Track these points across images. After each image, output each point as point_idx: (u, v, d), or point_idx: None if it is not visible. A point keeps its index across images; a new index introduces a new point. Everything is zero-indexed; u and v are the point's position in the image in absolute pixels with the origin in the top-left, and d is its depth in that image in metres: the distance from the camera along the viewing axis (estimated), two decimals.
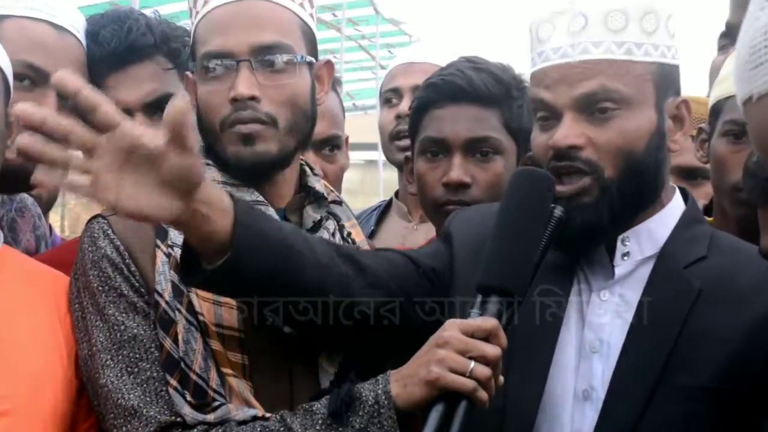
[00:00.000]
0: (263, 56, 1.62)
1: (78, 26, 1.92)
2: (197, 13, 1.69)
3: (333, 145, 2.20)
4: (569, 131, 1.50)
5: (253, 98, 1.60)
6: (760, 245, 1.45)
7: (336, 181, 2.25)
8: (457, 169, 1.96)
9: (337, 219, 1.76)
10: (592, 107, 1.51)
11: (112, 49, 1.89)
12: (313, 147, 2.08)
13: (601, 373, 1.53)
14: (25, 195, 2.17)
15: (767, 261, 1.52)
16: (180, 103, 1.25)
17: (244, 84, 1.60)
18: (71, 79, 1.18)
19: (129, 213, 1.27)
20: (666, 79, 1.57)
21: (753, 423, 1.46)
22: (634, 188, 1.53)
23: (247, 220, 1.38)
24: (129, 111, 1.85)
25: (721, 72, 2.00)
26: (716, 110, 2.02)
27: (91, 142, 1.20)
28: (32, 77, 1.80)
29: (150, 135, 1.24)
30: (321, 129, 2.05)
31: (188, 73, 1.76)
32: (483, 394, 1.37)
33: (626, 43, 1.52)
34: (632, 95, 1.52)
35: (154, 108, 1.87)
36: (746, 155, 1.84)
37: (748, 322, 1.48)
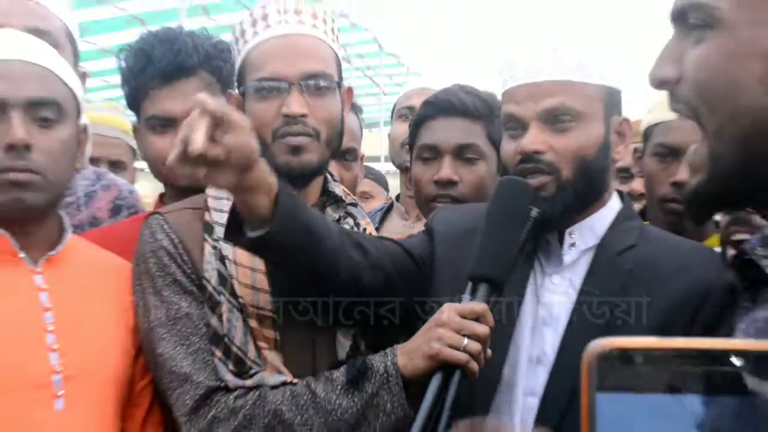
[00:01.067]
0: (310, 81, 1.72)
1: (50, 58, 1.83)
2: (246, 42, 1.76)
3: (350, 156, 2.32)
4: (534, 138, 1.62)
5: (303, 116, 1.71)
6: None
7: (351, 187, 2.36)
8: (447, 168, 2.10)
9: (354, 218, 1.86)
10: (553, 119, 1.62)
11: (163, 67, 1.97)
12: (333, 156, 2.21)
13: (551, 341, 1.63)
14: (113, 174, 2.29)
15: (686, 248, 1.67)
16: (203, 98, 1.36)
17: (296, 103, 1.69)
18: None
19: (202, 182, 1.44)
20: (612, 100, 1.68)
21: None
22: (585, 187, 1.64)
23: (285, 205, 1.49)
24: (176, 120, 1.93)
25: (651, 102, 2.13)
26: (648, 134, 2.17)
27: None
28: None
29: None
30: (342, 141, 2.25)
31: (231, 91, 1.83)
32: (474, 365, 1.49)
33: (584, 67, 1.64)
34: (586, 111, 1.63)
35: None
36: (672, 172, 2.03)
37: (670, 298, 1.58)
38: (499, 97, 2.18)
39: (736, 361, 0.62)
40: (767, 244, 1.04)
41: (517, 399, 1.63)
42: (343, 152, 2.26)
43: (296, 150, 1.71)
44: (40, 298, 1.60)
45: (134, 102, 2.06)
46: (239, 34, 1.80)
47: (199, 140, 1.34)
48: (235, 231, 1.52)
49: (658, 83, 1.03)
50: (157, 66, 1.98)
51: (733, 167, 0.95)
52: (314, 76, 1.73)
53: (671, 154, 2.05)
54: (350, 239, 1.69)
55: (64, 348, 1.57)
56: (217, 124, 1.37)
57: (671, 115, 2.04)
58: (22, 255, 1.61)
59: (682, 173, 2.00)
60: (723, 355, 0.63)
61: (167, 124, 1.99)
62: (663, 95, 2.15)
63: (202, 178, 1.42)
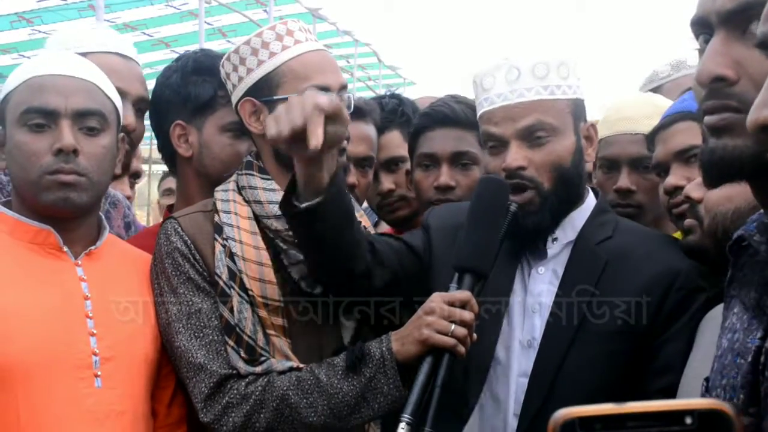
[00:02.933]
0: (344, 93, 1.84)
1: (134, 52, 2.11)
2: (273, 54, 1.81)
3: (368, 164, 2.38)
4: (516, 155, 1.72)
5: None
6: None
7: (365, 192, 2.43)
8: (445, 175, 2.18)
9: None
10: (531, 136, 1.72)
11: (202, 103, 2.05)
12: (353, 163, 2.27)
13: (539, 326, 1.73)
14: (115, 191, 2.36)
15: (656, 238, 1.78)
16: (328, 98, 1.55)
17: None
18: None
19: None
20: (578, 109, 1.78)
21: (646, 351, 1.67)
22: (566, 194, 1.75)
23: (338, 183, 1.63)
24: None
25: (601, 119, 2.22)
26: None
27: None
28: None
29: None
30: (361, 150, 2.31)
31: (248, 98, 1.84)
32: (461, 349, 1.57)
33: (550, 86, 1.74)
34: (558, 125, 1.74)
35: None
36: (615, 180, 2.05)
37: (641, 283, 1.69)
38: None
39: (688, 420, 0.65)
40: (763, 231, 1.07)
41: (511, 380, 1.73)
42: (362, 159, 2.33)
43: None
44: (81, 287, 1.71)
45: (164, 108, 2.13)
46: (258, 45, 1.83)
47: (319, 137, 1.52)
48: (287, 204, 1.64)
49: (714, 79, 1.01)
50: (195, 103, 2.07)
51: None
52: (345, 87, 1.85)
53: (612, 165, 2.18)
54: (363, 236, 1.77)
55: (101, 333, 1.68)
56: (329, 117, 1.54)
57: (609, 131, 2.14)
58: (65, 249, 1.73)
59: (622, 180, 2.11)
60: (676, 415, 0.65)
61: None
62: (606, 114, 2.28)
63: (290, 150, 1.61)
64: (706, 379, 1.16)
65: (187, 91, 2.07)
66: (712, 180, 1.06)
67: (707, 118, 1.03)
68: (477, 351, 1.68)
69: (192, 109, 2.07)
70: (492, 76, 1.78)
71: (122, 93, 1.98)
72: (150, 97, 2.13)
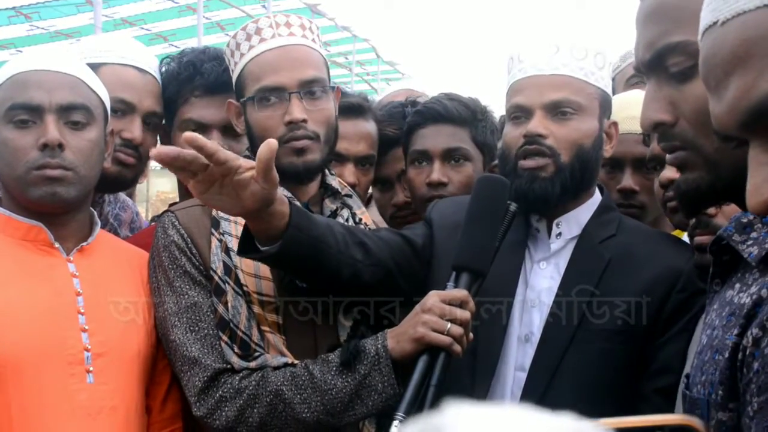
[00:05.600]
0: (307, 88, 1.79)
1: (154, 67, 2.12)
2: (242, 55, 1.83)
3: (369, 162, 2.35)
4: (539, 123, 1.71)
5: (303, 121, 1.77)
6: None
7: (366, 189, 2.41)
8: (437, 172, 2.17)
9: (350, 208, 1.92)
10: (556, 110, 1.72)
11: (212, 80, 2.07)
12: (354, 162, 2.26)
13: (538, 322, 1.71)
14: (124, 195, 2.38)
15: (659, 238, 1.74)
16: (273, 145, 1.45)
17: (297, 110, 1.77)
18: (206, 143, 1.41)
19: (215, 208, 1.55)
20: (605, 103, 1.78)
21: (645, 352, 1.65)
22: (580, 173, 1.73)
23: (297, 224, 1.56)
24: (208, 126, 2.07)
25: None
26: None
27: (203, 167, 1.43)
28: (123, 109, 2.02)
29: (246, 167, 1.45)
30: (362, 148, 2.28)
31: (231, 100, 1.89)
32: (457, 347, 1.54)
33: (585, 69, 1.74)
34: (586, 106, 1.73)
35: (227, 129, 2.05)
36: (618, 180, 2.03)
37: (643, 282, 1.67)
38: (485, 102, 2.31)
39: None
40: (741, 230, 1.10)
41: (508, 374, 1.72)
42: (362, 158, 2.32)
43: (300, 152, 1.79)
44: (73, 283, 1.71)
45: (170, 105, 2.15)
46: (234, 47, 1.86)
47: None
48: (247, 248, 1.61)
49: (654, 126, 1.09)
50: (206, 78, 2.09)
51: (727, 171, 1.02)
52: (311, 82, 1.80)
53: (615, 165, 2.16)
54: (354, 238, 1.74)
55: (93, 329, 1.68)
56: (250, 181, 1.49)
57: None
58: (57, 245, 1.72)
59: (626, 180, 2.09)
60: (648, 431, 0.66)
61: (200, 129, 2.08)
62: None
63: (224, 207, 1.54)
64: (686, 376, 1.17)
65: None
66: (687, 211, 1.14)
67: (667, 158, 1.11)
68: (484, 349, 1.68)
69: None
70: (530, 49, 1.78)
71: (132, 106, 2.04)
72: (163, 111, 2.15)
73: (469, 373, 1.70)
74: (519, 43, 1.82)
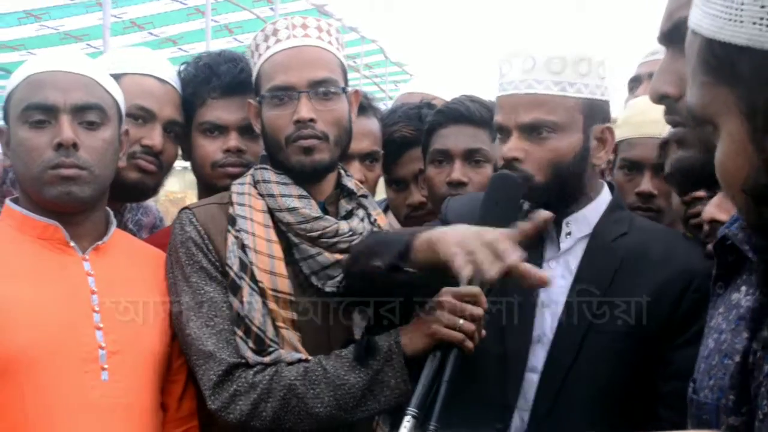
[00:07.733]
0: (317, 88, 1.81)
1: (173, 76, 2.14)
2: (260, 55, 1.86)
3: (373, 158, 2.38)
4: (513, 146, 1.69)
5: (311, 120, 1.79)
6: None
7: (374, 187, 2.43)
8: (458, 171, 2.19)
9: (365, 208, 1.93)
10: (532, 131, 1.69)
11: (228, 81, 2.09)
12: (358, 159, 2.29)
13: (550, 322, 1.70)
14: (149, 202, 2.40)
15: (672, 237, 1.73)
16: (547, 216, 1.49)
17: (305, 109, 1.78)
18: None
19: None
20: (594, 110, 1.72)
21: (659, 354, 1.64)
22: (559, 190, 1.71)
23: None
24: (226, 128, 2.09)
25: (619, 118, 2.16)
26: (615, 149, 2.15)
27: None
28: (144, 116, 2.05)
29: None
30: (365, 145, 2.31)
31: (250, 100, 1.92)
32: (469, 344, 1.55)
33: (562, 83, 1.69)
34: (563, 123, 1.69)
35: (245, 130, 2.08)
36: (636, 183, 2.03)
37: (656, 283, 1.65)
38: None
39: None
40: (746, 230, 1.08)
41: (520, 375, 1.71)
42: (366, 155, 2.34)
43: (307, 151, 1.81)
44: (88, 282, 1.72)
45: (188, 108, 2.17)
46: (254, 48, 1.90)
47: None
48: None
49: (660, 97, 1.09)
50: (222, 80, 2.11)
51: None
52: (320, 83, 1.82)
53: (634, 167, 2.16)
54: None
55: (108, 327, 1.70)
56: None
57: (634, 133, 2.11)
58: (72, 244, 1.74)
59: (645, 184, 2.09)
60: None
61: (218, 130, 2.12)
62: (630, 114, 2.24)
63: None
64: (693, 380, 1.15)
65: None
66: (678, 188, 1.14)
67: (668, 132, 1.10)
68: (514, 349, 1.70)
69: None
70: (509, 62, 1.76)
71: (152, 114, 2.07)
72: (184, 120, 2.17)
73: (500, 385, 1.71)
74: (504, 53, 1.80)
